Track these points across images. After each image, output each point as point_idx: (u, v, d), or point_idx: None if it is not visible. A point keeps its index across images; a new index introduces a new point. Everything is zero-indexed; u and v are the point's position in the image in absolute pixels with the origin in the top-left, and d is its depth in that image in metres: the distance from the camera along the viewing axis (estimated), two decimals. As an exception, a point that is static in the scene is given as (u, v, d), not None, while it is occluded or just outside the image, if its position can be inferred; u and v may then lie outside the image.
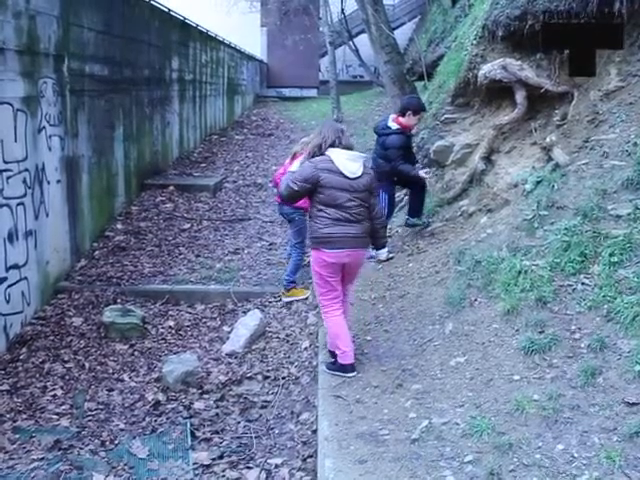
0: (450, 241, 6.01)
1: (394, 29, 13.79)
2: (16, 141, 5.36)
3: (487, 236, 5.40)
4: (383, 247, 4.51)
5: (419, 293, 5.36)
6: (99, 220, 7.57)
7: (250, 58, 23.27)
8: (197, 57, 13.52)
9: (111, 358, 5.20)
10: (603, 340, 3.74)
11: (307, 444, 4.03)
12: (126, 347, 5.37)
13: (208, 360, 5.17)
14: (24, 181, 5.54)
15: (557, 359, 3.82)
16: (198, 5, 21.64)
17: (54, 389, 4.71)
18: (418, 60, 10.32)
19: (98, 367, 5.04)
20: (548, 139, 5.59)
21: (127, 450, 3.99)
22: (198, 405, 4.49)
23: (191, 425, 4.25)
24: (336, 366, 4.34)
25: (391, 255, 6.47)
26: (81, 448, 4.00)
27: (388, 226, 6.68)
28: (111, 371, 5.00)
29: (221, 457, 3.95)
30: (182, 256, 7.26)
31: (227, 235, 8.12)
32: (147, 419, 4.35)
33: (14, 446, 4.01)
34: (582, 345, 3.82)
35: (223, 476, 3.78)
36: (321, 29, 23.56)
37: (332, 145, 3.96)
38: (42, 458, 3.88)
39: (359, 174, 3.97)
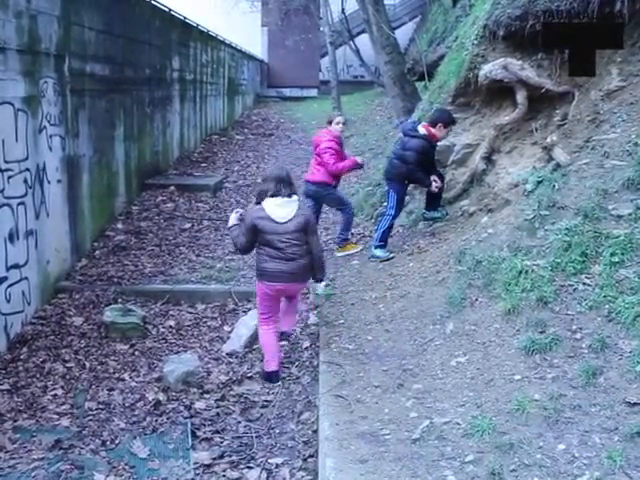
0: (451, 241, 6.01)
1: (395, 29, 13.81)
2: (17, 141, 5.36)
3: (488, 236, 5.40)
4: (321, 281, 5.10)
5: (420, 293, 5.36)
6: (100, 220, 7.57)
7: (251, 58, 23.28)
8: (198, 57, 13.52)
9: (112, 358, 5.19)
10: (604, 340, 3.74)
11: (308, 444, 4.02)
12: (127, 347, 5.37)
13: (209, 360, 5.17)
14: (25, 181, 5.53)
15: (558, 359, 3.82)
16: (199, 5, 21.66)
17: (55, 389, 4.71)
18: (419, 60, 10.30)
19: (99, 367, 5.04)
20: (549, 139, 5.59)
21: (128, 450, 3.98)
22: (199, 405, 4.49)
23: (192, 425, 4.24)
24: (263, 374, 4.84)
25: (392, 255, 6.49)
26: (82, 448, 4.00)
27: (393, 226, 6.71)
28: (112, 371, 5.00)
29: (222, 457, 3.94)
30: (183, 256, 7.26)
31: (228, 235, 8.11)
32: (148, 419, 4.34)
33: (15, 446, 4.01)
34: (583, 345, 3.82)
35: (224, 476, 3.78)
36: (322, 29, 23.57)
37: (273, 195, 4.51)
38: (43, 458, 3.88)
39: (289, 218, 4.51)
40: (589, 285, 4.16)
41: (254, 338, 5.39)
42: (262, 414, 4.43)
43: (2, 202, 5.16)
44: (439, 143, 6.63)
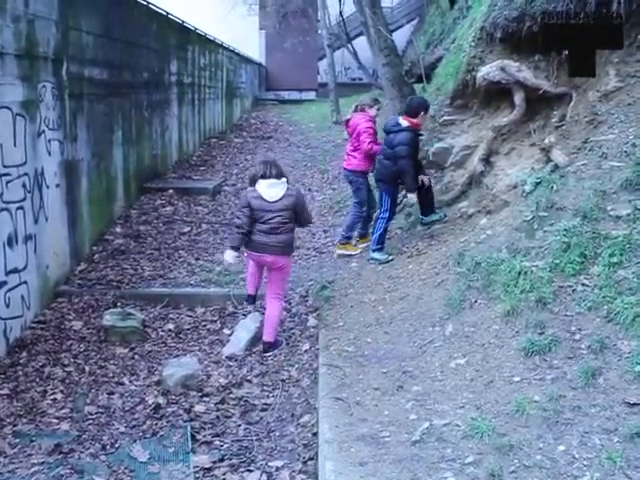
0: (450, 243, 6.01)
1: (392, 31, 13.79)
2: (15, 145, 5.36)
3: (487, 237, 5.40)
4: (303, 226, 5.87)
5: (419, 295, 5.36)
6: (98, 224, 7.57)
7: (249, 61, 23.32)
8: (196, 60, 13.54)
9: (111, 362, 5.19)
10: (603, 341, 3.74)
11: (308, 447, 4.02)
12: (126, 351, 5.37)
13: (208, 363, 5.16)
14: (23, 185, 5.53)
15: (557, 360, 3.82)
16: (196, 8, 21.70)
17: (54, 393, 4.70)
18: (416, 62, 10.30)
19: (98, 371, 5.04)
20: (547, 140, 5.59)
21: (128, 454, 3.98)
22: (198, 408, 4.49)
23: (191, 428, 4.24)
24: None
25: (391, 257, 6.49)
26: (82, 452, 3.99)
27: (388, 229, 6.71)
28: (111, 375, 5.00)
29: (222, 460, 3.94)
30: (182, 259, 7.26)
31: (227, 238, 8.12)
32: (147, 422, 4.34)
33: (14, 450, 4.01)
34: (582, 346, 3.82)
35: (224, 479, 3.77)
36: (319, 32, 23.56)
37: (262, 177, 5.18)
38: (43, 462, 3.87)
39: (278, 197, 5.15)
40: (588, 286, 4.16)
41: (254, 341, 5.40)
42: (262, 417, 4.42)
43: (1, 207, 5.16)
44: (437, 145, 6.65)
